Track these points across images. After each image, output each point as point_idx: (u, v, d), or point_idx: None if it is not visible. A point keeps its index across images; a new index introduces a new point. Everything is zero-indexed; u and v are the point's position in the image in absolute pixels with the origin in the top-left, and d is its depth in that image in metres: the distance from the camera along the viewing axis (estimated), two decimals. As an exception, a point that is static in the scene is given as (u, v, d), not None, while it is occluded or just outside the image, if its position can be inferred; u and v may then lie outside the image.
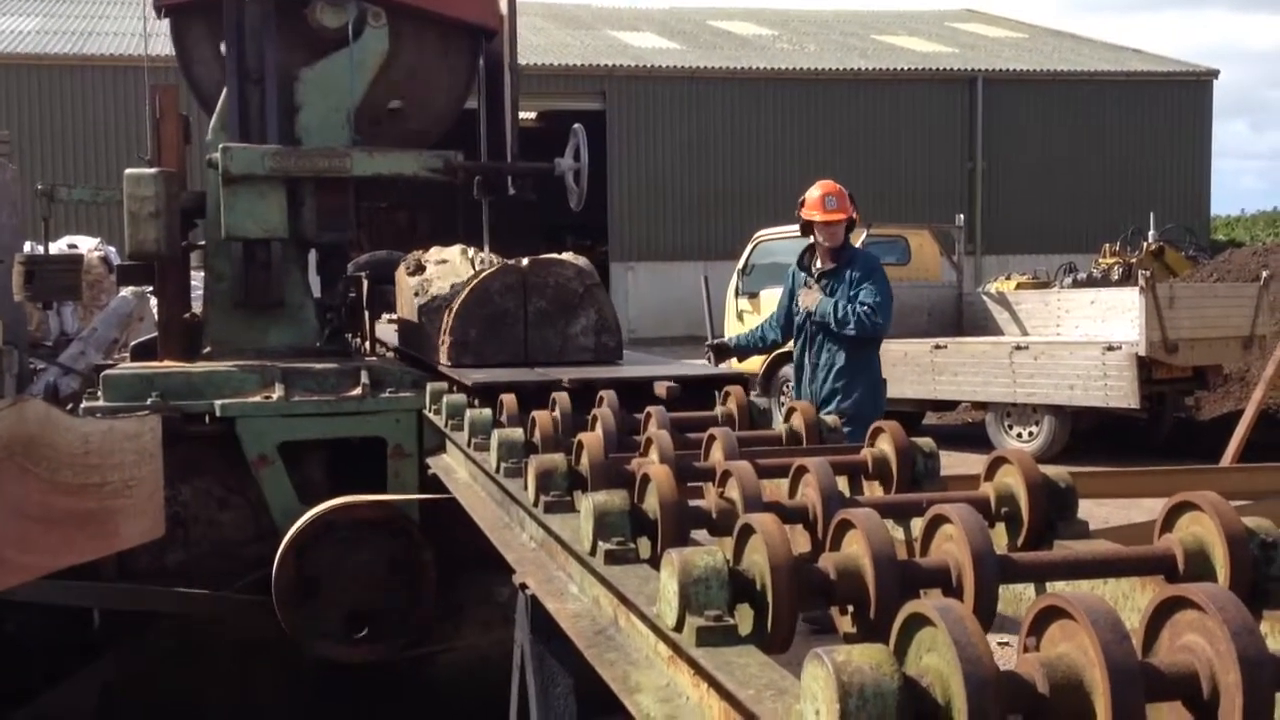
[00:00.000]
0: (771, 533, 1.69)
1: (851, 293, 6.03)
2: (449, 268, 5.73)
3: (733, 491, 2.24)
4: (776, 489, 2.49)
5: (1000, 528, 2.17)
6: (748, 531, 1.75)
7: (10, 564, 2.92)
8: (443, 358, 4.78)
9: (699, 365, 6.17)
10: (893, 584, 1.66)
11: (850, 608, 1.72)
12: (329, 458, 4.88)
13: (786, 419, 3.16)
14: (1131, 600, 1.87)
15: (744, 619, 1.70)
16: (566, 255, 5.21)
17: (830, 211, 6.10)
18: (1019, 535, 2.14)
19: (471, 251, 5.96)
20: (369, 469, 4.77)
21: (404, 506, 4.65)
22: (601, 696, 2.59)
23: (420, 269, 5.81)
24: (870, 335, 6.04)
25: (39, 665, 4.59)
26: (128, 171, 5.25)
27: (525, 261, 4.97)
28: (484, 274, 4.95)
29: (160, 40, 6.04)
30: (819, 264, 6.18)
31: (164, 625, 4.66)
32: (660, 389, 4.12)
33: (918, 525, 2.23)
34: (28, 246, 11.29)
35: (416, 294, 5.51)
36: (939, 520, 1.79)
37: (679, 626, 1.68)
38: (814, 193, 6.18)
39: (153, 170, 5.27)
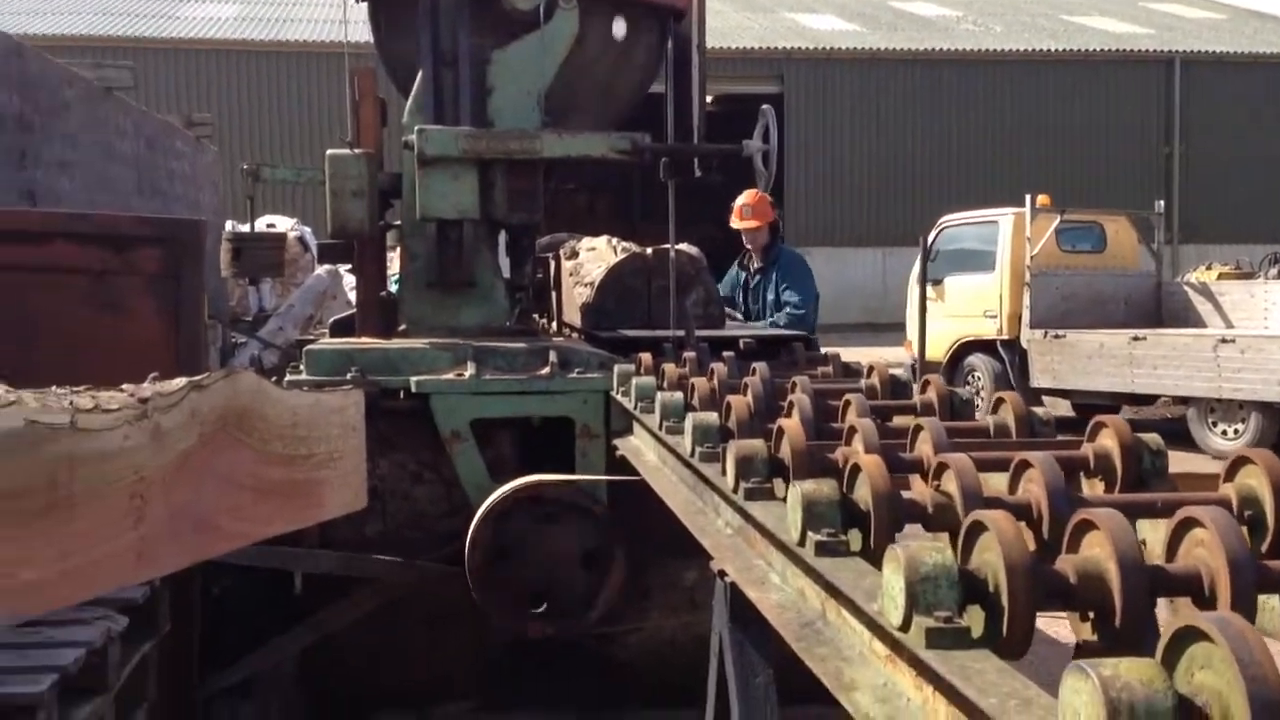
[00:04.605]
0: (1006, 531, 1.60)
1: (778, 290, 7.04)
2: (597, 254, 6.73)
3: (949, 485, 2.14)
4: (988, 484, 2.38)
5: (1243, 532, 2.02)
6: (978, 529, 1.66)
7: (223, 531, 3.01)
8: (586, 322, 5.99)
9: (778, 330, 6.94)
10: (1140, 590, 1.55)
11: (1091, 614, 1.61)
12: (519, 436, 4.93)
13: (994, 410, 3.02)
14: (1400, 617, 1.71)
15: (975, 621, 1.61)
16: (682, 245, 6.14)
17: (745, 219, 7.27)
18: (1264, 541, 1.99)
19: (615, 241, 6.99)
20: (557, 448, 4.81)
21: (592, 487, 4.67)
22: (791, 688, 2.53)
23: (575, 255, 6.96)
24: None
25: (244, 627, 4.78)
26: (330, 152, 5.39)
27: (650, 250, 6.12)
28: (618, 260, 6.14)
29: (357, 27, 6.18)
30: (754, 264, 7.32)
31: (361, 593, 4.79)
32: (741, 344, 5.18)
33: (1145, 528, 2.10)
34: (228, 225, 11.82)
35: (571, 274, 6.58)
36: (1189, 523, 1.66)
37: (905, 626, 1.60)
38: (737, 201, 7.26)
39: (356, 151, 5.41)
